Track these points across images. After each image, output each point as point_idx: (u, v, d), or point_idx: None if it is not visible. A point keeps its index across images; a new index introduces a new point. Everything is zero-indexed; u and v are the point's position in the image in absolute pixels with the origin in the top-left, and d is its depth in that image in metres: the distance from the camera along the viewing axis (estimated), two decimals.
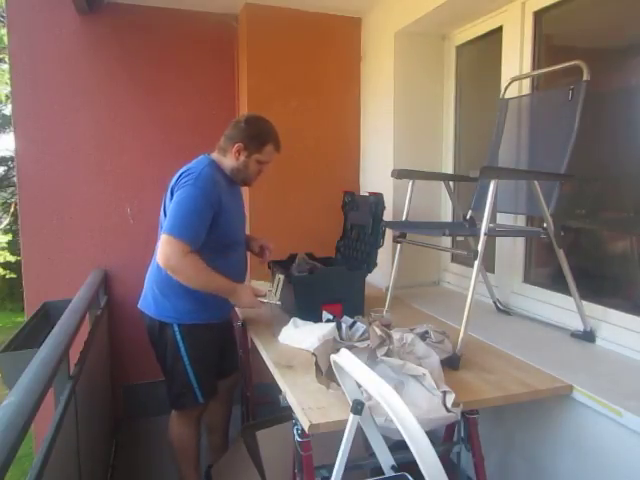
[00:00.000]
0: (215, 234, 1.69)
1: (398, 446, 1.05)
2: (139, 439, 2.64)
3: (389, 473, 1.15)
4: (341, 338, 1.58)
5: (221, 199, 1.70)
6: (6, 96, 7.31)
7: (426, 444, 0.81)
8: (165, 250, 1.61)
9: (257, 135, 1.79)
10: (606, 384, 1.36)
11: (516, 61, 2.03)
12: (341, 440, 1.09)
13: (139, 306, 1.87)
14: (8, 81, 2.87)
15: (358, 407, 1.05)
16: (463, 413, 1.28)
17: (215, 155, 1.83)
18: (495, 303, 2.08)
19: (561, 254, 1.62)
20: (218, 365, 1.95)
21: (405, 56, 2.48)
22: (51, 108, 2.57)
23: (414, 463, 0.81)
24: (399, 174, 1.98)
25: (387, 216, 2.14)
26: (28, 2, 2.49)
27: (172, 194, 1.68)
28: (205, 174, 1.68)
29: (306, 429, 1.15)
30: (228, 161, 1.80)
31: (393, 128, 2.50)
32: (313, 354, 1.30)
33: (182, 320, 1.76)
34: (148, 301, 1.82)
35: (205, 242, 1.66)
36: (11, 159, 7.86)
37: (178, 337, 1.76)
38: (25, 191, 2.56)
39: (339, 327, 1.62)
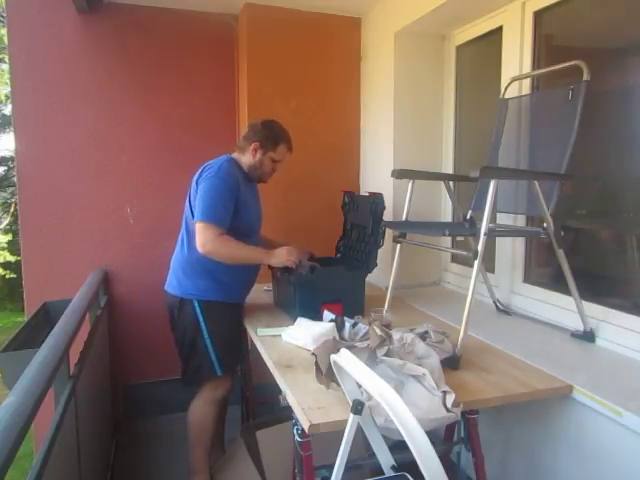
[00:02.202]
0: (235, 222, 1.88)
1: (398, 446, 1.04)
2: (139, 439, 2.64)
3: (389, 473, 1.16)
4: (343, 338, 1.58)
5: (239, 187, 1.91)
6: (6, 96, 7.30)
7: (426, 444, 0.81)
8: (200, 236, 1.81)
9: (272, 136, 2.01)
10: (606, 384, 1.36)
11: (516, 61, 2.03)
12: (341, 440, 1.09)
13: (165, 287, 2.05)
14: (8, 81, 2.87)
15: (358, 407, 1.05)
16: (463, 413, 1.28)
17: (235, 154, 2.05)
18: (495, 303, 2.08)
19: (561, 254, 1.62)
20: (238, 346, 2.06)
21: (405, 56, 2.48)
22: (51, 108, 2.57)
23: (414, 463, 0.81)
24: (399, 174, 1.98)
25: (387, 216, 2.14)
26: (28, 1, 2.49)
27: (197, 187, 1.89)
28: (224, 167, 1.91)
29: (306, 429, 1.15)
30: (246, 159, 2.02)
31: (393, 128, 2.50)
32: (313, 354, 1.30)
33: (201, 297, 1.93)
34: (172, 282, 2.01)
35: (228, 229, 1.85)
36: (11, 159, 7.86)
37: (198, 312, 1.93)
38: (25, 191, 2.56)
39: (342, 327, 1.62)
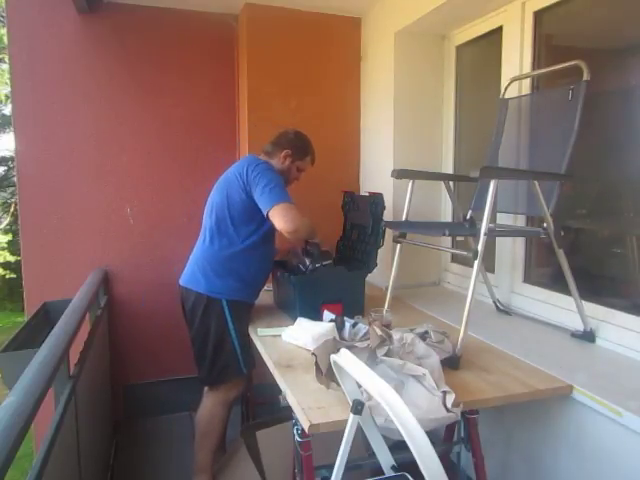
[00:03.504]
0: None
1: (398, 446, 1.04)
2: (139, 439, 2.64)
3: (389, 473, 1.15)
4: (343, 338, 1.58)
5: None
6: (6, 96, 7.30)
7: (426, 444, 0.81)
8: (283, 217, 1.83)
9: (302, 146, 2.11)
10: (606, 384, 1.36)
11: (516, 61, 2.03)
12: (341, 440, 1.09)
13: (183, 283, 2.03)
14: (8, 81, 2.87)
15: (358, 407, 1.05)
16: (463, 413, 1.28)
17: (261, 157, 2.08)
18: (495, 303, 2.08)
19: (561, 254, 1.62)
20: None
21: (405, 56, 2.48)
22: (51, 108, 2.57)
23: (414, 463, 0.81)
24: (399, 174, 1.98)
25: (387, 216, 2.14)
26: (28, 1, 2.49)
27: (245, 188, 1.89)
28: (266, 163, 1.99)
29: (306, 429, 1.15)
30: (274, 163, 2.06)
31: (393, 128, 2.50)
32: (313, 354, 1.30)
33: (230, 296, 1.94)
34: (197, 278, 1.97)
35: (269, 229, 1.93)
36: (11, 159, 7.85)
37: (226, 311, 1.93)
38: (25, 191, 2.56)
39: (342, 327, 1.62)
